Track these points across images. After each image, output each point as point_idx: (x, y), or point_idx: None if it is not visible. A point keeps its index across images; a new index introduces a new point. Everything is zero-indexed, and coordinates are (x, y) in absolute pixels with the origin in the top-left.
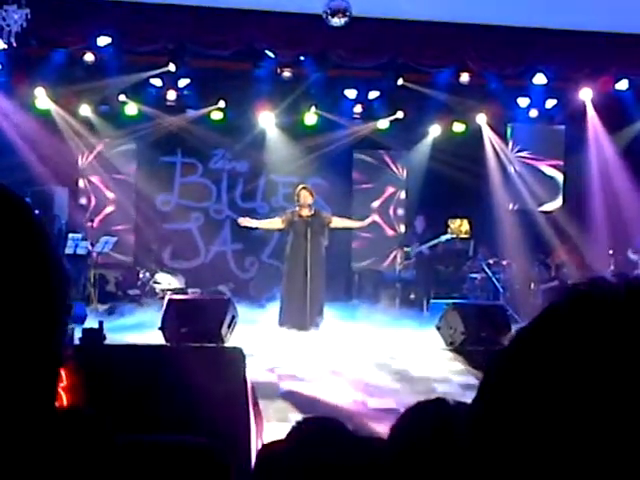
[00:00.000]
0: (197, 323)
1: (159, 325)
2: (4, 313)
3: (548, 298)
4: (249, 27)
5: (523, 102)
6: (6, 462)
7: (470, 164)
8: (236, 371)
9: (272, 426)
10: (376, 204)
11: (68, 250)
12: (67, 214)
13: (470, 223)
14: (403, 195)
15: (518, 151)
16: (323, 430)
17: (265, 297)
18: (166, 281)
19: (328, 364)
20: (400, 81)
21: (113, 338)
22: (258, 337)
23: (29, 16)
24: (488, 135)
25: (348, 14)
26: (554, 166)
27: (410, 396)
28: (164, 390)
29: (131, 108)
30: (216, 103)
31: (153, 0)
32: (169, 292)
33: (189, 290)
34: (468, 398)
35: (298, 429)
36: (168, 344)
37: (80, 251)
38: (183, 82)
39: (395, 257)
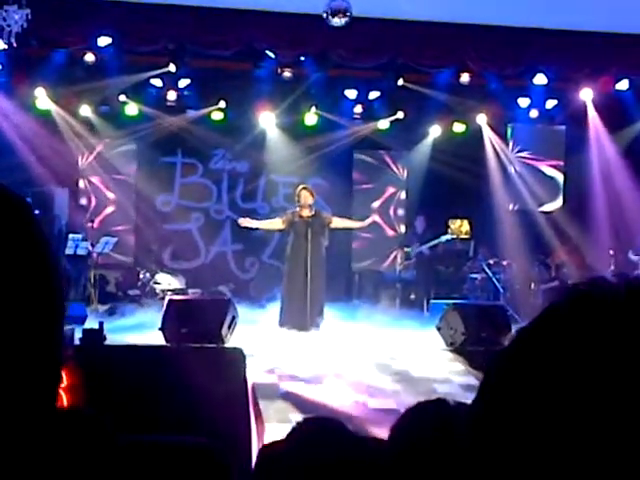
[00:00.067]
0: (197, 324)
1: (159, 326)
2: (3, 313)
3: (548, 298)
4: (249, 27)
5: (523, 102)
6: (7, 462)
7: (470, 164)
8: (236, 371)
9: (272, 426)
10: (376, 204)
11: (68, 250)
12: (67, 214)
13: (470, 223)
14: (403, 195)
15: (518, 151)
16: (323, 430)
17: (265, 297)
18: (166, 281)
19: (328, 364)
20: (400, 81)
21: (113, 339)
22: (258, 338)
23: (29, 16)
24: (488, 135)
25: (348, 14)
26: (554, 166)
27: (410, 397)
28: (164, 390)
29: (131, 108)
30: (216, 103)
31: (153, 0)
32: (169, 292)
33: (189, 290)
34: (468, 399)
35: (298, 429)
36: (168, 345)
37: (80, 251)
38: (183, 82)
39: (395, 257)
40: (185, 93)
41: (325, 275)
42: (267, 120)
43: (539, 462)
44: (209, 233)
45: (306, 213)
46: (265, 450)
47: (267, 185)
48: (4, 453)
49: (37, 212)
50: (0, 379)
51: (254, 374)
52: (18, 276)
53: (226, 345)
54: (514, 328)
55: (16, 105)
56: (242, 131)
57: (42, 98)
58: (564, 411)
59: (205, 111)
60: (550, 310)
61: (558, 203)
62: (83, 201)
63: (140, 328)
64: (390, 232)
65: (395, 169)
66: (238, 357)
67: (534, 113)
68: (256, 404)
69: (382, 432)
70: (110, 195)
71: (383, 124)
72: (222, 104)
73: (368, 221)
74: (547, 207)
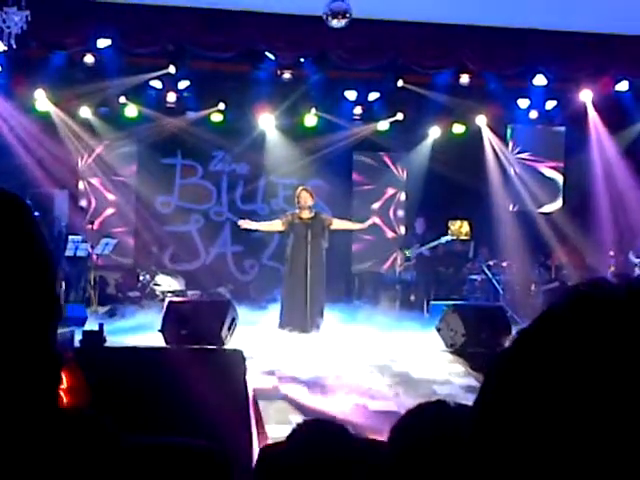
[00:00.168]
0: (197, 325)
1: (159, 327)
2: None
3: (548, 299)
4: (249, 29)
5: (523, 103)
6: (11, 461)
7: (470, 165)
8: (236, 373)
9: (272, 428)
10: (376, 206)
11: (68, 252)
12: (67, 216)
13: (470, 225)
14: (403, 197)
15: (518, 152)
16: (323, 432)
17: (265, 299)
18: (166, 283)
19: (328, 366)
20: (400, 82)
21: (113, 340)
22: (258, 339)
23: (29, 18)
24: (488, 136)
25: (348, 16)
26: (554, 168)
27: (410, 398)
28: (164, 392)
29: (131, 110)
30: (216, 105)
31: (153, 2)
32: (169, 294)
33: (189, 292)
34: (468, 400)
35: (298, 431)
36: (168, 346)
37: (80, 253)
38: (183, 84)
39: (395, 259)
40: (185, 95)
41: (325, 277)
42: (267, 122)
43: (540, 464)
44: (209, 235)
45: (306, 215)
46: (265, 451)
47: (267, 187)
48: (6, 451)
49: (37, 214)
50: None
51: (254, 376)
52: (14, 276)
53: (226, 347)
54: (514, 329)
55: (16, 107)
56: (242, 133)
57: (42, 100)
58: (565, 413)
59: (205, 113)
60: (551, 312)
61: (558, 204)
62: (83, 203)
63: (140, 330)
64: (390, 234)
65: (395, 170)
66: (238, 359)
67: (534, 114)
68: (256, 405)
69: (382, 434)
70: (110, 197)
71: (383, 125)
72: (222, 106)
73: (368, 223)
74: (547, 208)
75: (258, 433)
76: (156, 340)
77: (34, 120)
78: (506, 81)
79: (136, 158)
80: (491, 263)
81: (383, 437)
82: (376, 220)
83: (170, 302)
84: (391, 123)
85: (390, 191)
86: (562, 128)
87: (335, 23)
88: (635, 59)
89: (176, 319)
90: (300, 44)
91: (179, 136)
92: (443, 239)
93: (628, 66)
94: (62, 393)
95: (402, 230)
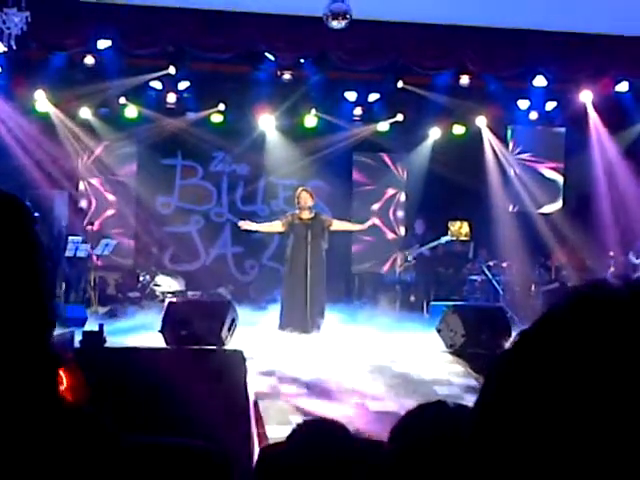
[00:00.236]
0: (197, 326)
1: (159, 328)
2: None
3: (548, 300)
4: (249, 30)
5: (523, 104)
6: (11, 460)
7: (470, 166)
8: (236, 374)
9: (273, 428)
10: (376, 206)
11: (68, 253)
12: (67, 217)
13: (470, 225)
14: (403, 197)
15: (518, 153)
16: (323, 432)
17: (265, 300)
18: (166, 284)
19: (328, 367)
20: (400, 83)
21: (113, 341)
22: (258, 340)
23: (29, 19)
24: (488, 137)
25: (348, 17)
26: (554, 168)
27: (410, 399)
28: (164, 392)
29: (131, 111)
30: (216, 106)
31: (153, 3)
32: (169, 295)
33: (189, 293)
34: (468, 401)
35: (299, 431)
36: (168, 347)
37: (80, 254)
38: (183, 85)
39: (395, 260)
40: (185, 95)
41: (325, 277)
42: (267, 122)
43: (540, 465)
44: (209, 235)
45: (306, 215)
46: (266, 452)
47: (267, 187)
48: (6, 451)
49: (37, 214)
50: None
51: (254, 376)
52: (11, 277)
53: (226, 347)
54: (514, 330)
55: (16, 108)
56: (242, 133)
57: (42, 101)
58: (566, 414)
59: (205, 113)
60: (551, 313)
61: (558, 205)
62: (83, 203)
63: (140, 330)
64: (390, 235)
65: (395, 170)
66: (238, 359)
67: (534, 115)
68: (256, 406)
69: (382, 434)
70: (110, 197)
71: (383, 126)
72: (222, 106)
73: (368, 224)
74: (547, 209)
75: (258, 433)
76: (156, 341)
77: (34, 121)
78: (506, 82)
79: (136, 159)
80: (491, 264)
81: (383, 438)
82: (376, 221)
83: (170, 303)
84: (391, 124)
85: (390, 192)
86: (562, 129)
87: (335, 24)
88: (635, 60)
89: (176, 320)
90: (300, 45)
91: (179, 137)
92: (443, 239)
93: (628, 67)
94: (61, 393)
95: (402, 231)
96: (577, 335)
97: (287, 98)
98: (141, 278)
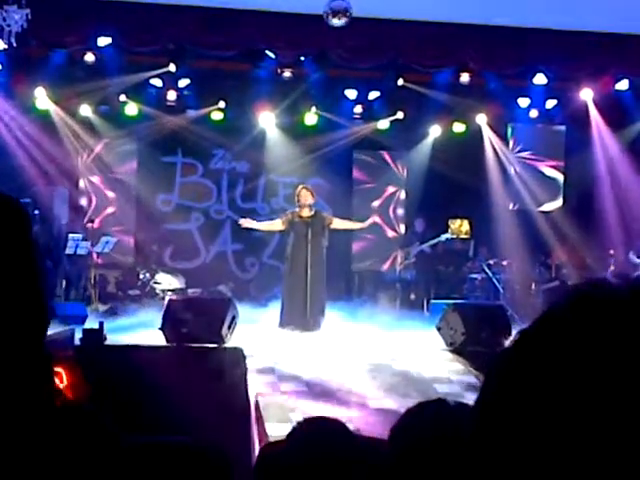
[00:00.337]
0: (197, 323)
1: (159, 325)
2: None
3: (548, 298)
4: (249, 27)
5: (523, 102)
6: (9, 459)
7: (470, 164)
8: (236, 371)
9: (273, 426)
10: (376, 204)
11: (68, 250)
12: (67, 215)
13: (470, 223)
14: (403, 195)
15: (518, 151)
16: (324, 431)
17: (265, 297)
18: (166, 281)
19: (328, 364)
20: (400, 81)
21: (113, 338)
22: (258, 337)
23: (29, 16)
24: (488, 135)
25: (348, 14)
26: (554, 167)
27: (410, 397)
28: (164, 390)
29: (131, 108)
30: (216, 103)
31: (153, 0)
32: (169, 292)
33: (189, 290)
34: (468, 399)
35: (299, 429)
36: (168, 344)
37: (80, 251)
38: (183, 82)
39: (395, 258)
40: (185, 93)
41: (325, 275)
42: (267, 120)
43: (540, 463)
44: (209, 233)
45: (306, 213)
46: (266, 450)
47: (267, 185)
48: (4, 450)
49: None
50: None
51: (254, 374)
52: (6, 275)
53: (226, 345)
54: (514, 328)
55: (16, 105)
56: (242, 131)
57: (42, 98)
58: (567, 413)
59: (205, 111)
60: (551, 312)
61: (558, 203)
62: (83, 201)
63: (140, 328)
64: (390, 233)
65: (395, 168)
66: (238, 357)
67: (534, 113)
68: (256, 404)
69: (382, 432)
70: (110, 195)
71: (383, 124)
72: (222, 104)
73: (368, 222)
74: (547, 207)
75: (258, 431)
76: (156, 338)
77: (34, 119)
78: (506, 80)
79: (136, 156)
80: (491, 262)
81: (383, 436)
82: (376, 219)
83: (170, 300)
84: (391, 122)
85: (390, 189)
86: (562, 127)
87: (335, 22)
88: (635, 58)
89: (176, 317)
90: (300, 43)
91: (179, 134)
92: (443, 237)
93: (628, 65)
94: (62, 391)
95: (402, 229)
96: (577, 334)
97: (287, 96)
98: (141, 276)
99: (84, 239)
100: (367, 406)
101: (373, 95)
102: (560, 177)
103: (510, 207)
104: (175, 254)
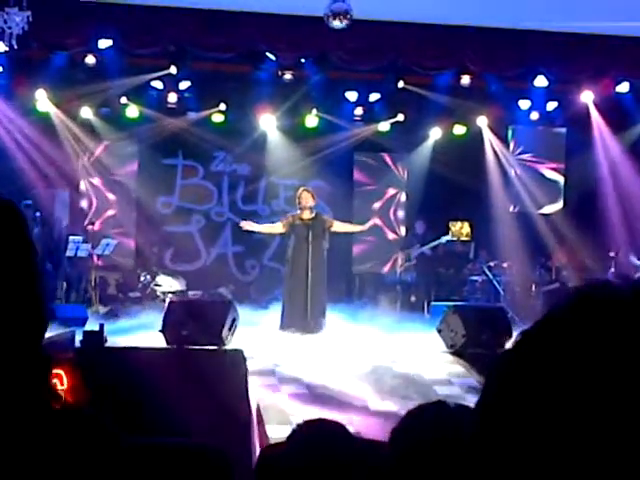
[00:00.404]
0: (198, 325)
1: (160, 327)
2: None
3: (549, 300)
4: (250, 29)
5: (524, 104)
6: (7, 460)
7: (471, 166)
8: (237, 373)
9: (273, 428)
10: (377, 206)
11: (69, 253)
12: (68, 217)
13: (471, 225)
14: (404, 197)
15: (519, 154)
16: (324, 433)
17: (266, 300)
18: (167, 283)
19: (329, 367)
20: (401, 83)
21: (114, 341)
22: (259, 339)
23: (30, 19)
24: (489, 138)
25: (349, 16)
26: (555, 169)
27: (411, 399)
28: (165, 392)
29: (132, 110)
30: (217, 106)
31: (154, 3)
32: (170, 294)
33: (190, 292)
34: (469, 401)
35: (299, 431)
36: (169, 346)
37: (81, 254)
38: (184, 84)
39: (396, 260)
40: (186, 95)
41: (326, 277)
42: (268, 122)
43: (541, 465)
44: (210, 235)
45: (307, 215)
46: (266, 452)
47: (268, 187)
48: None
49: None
50: None
51: (255, 376)
52: (3, 279)
53: (227, 347)
54: (514, 330)
55: (17, 107)
56: (243, 133)
57: (43, 100)
58: (568, 414)
59: (206, 113)
60: (553, 313)
61: (558, 205)
62: (84, 203)
63: (141, 330)
64: (391, 235)
65: (396, 170)
66: (239, 359)
67: (535, 115)
68: (257, 406)
69: (383, 435)
70: (111, 197)
71: (384, 126)
72: (222, 106)
73: (368, 224)
74: (547, 209)
75: (259, 433)
76: (157, 340)
77: (35, 121)
78: (507, 82)
79: (137, 158)
80: (492, 264)
81: (384, 438)
82: (377, 221)
83: (171, 302)
84: (392, 124)
85: (391, 191)
86: (563, 129)
87: (336, 24)
88: (636, 60)
89: (177, 319)
90: (301, 45)
91: (180, 136)
92: (443, 239)
93: (629, 67)
94: (62, 393)
95: (402, 231)
96: (579, 335)
97: (288, 98)
98: (142, 278)
99: (85, 241)
100: (367, 408)
101: (374, 97)
102: (560, 179)
103: (510, 209)
104: (176, 256)
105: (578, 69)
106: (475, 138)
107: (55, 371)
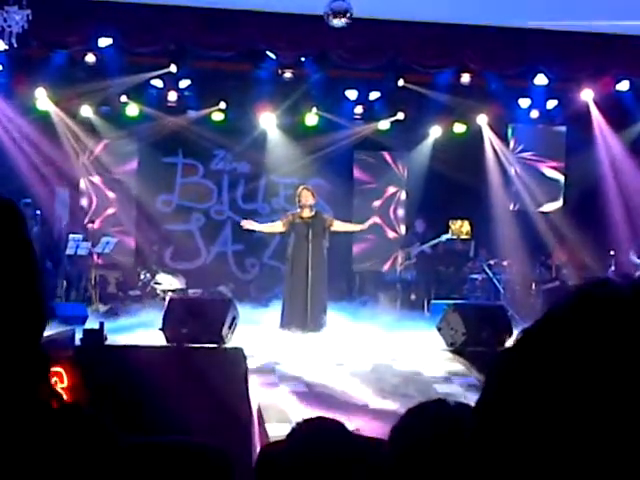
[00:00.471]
0: (198, 324)
1: (160, 326)
2: None
3: (549, 299)
4: (250, 28)
5: (524, 103)
6: (6, 459)
7: (471, 165)
8: (237, 371)
9: (273, 426)
10: (377, 204)
11: (69, 251)
12: (68, 215)
13: (471, 224)
14: (404, 196)
15: (519, 152)
16: (324, 431)
17: (266, 298)
18: (167, 282)
19: (329, 365)
20: (401, 82)
21: (114, 339)
22: (259, 338)
23: (30, 17)
24: (489, 136)
25: (349, 15)
26: (555, 167)
27: (411, 397)
28: (165, 390)
29: (132, 109)
30: (217, 104)
31: (154, 1)
32: (170, 293)
33: (190, 291)
34: (469, 399)
35: (299, 430)
36: (169, 345)
37: (81, 252)
38: (184, 83)
39: (396, 259)
40: (186, 94)
41: (326, 276)
42: (268, 121)
43: (541, 463)
44: (210, 233)
45: (307, 214)
46: (266, 450)
47: (268, 186)
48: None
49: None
50: None
51: (255, 374)
52: (2, 278)
53: (227, 345)
54: (514, 328)
55: (17, 106)
56: (243, 132)
57: (42, 99)
58: (568, 413)
59: (206, 112)
60: (553, 311)
61: (558, 204)
62: (84, 201)
63: (141, 328)
64: (391, 234)
65: (396, 168)
66: (239, 357)
67: (535, 114)
68: (257, 404)
69: (383, 433)
70: (110, 195)
71: (384, 125)
72: (223, 105)
73: (368, 223)
74: (547, 207)
75: (259, 432)
76: (157, 339)
77: (35, 119)
78: (507, 80)
79: (137, 157)
80: (492, 262)
81: (384, 436)
82: (377, 219)
83: (171, 300)
84: (392, 122)
85: (391, 190)
86: (563, 128)
87: (336, 22)
88: (636, 59)
89: (177, 318)
90: (301, 43)
91: (180, 135)
92: (443, 237)
93: (629, 66)
94: (62, 391)
95: (402, 229)
96: (579, 333)
97: (288, 96)
98: (142, 276)
99: (84, 240)
100: (367, 406)
101: (374, 96)
102: (561, 178)
103: (510, 208)
104: (175, 255)
105: (578, 67)
106: (475, 136)
107: (55, 369)
